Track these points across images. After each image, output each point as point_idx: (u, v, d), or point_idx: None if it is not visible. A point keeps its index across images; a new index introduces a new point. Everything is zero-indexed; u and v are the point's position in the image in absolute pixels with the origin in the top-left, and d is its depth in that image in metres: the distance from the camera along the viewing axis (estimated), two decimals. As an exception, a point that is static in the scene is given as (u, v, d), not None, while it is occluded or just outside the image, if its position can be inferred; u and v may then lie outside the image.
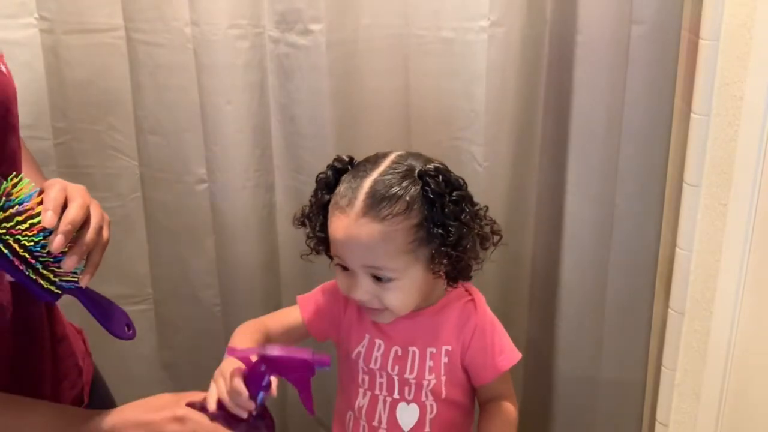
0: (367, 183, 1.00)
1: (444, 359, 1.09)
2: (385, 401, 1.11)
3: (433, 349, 1.09)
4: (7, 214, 0.82)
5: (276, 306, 1.74)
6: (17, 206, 0.83)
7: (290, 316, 1.19)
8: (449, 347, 1.09)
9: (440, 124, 1.54)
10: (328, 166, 1.07)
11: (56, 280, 0.86)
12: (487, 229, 1.06)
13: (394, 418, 1.11)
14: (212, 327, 1.73)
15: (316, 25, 1.49)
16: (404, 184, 1.00)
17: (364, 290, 1.02)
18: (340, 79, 1.54)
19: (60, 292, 0.87)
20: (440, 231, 0.99)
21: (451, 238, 0.98)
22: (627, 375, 1.66)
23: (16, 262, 0.82)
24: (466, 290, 1.12)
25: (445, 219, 0.99)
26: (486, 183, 1.55)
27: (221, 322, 1.74)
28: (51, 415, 0.91)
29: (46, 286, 0.86)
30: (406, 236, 0.99)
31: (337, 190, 1.03)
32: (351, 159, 1.07)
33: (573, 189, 1.58)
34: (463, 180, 1.04)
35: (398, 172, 1.01)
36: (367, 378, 1.12)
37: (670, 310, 1.39)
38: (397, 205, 0.98)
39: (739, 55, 1.16)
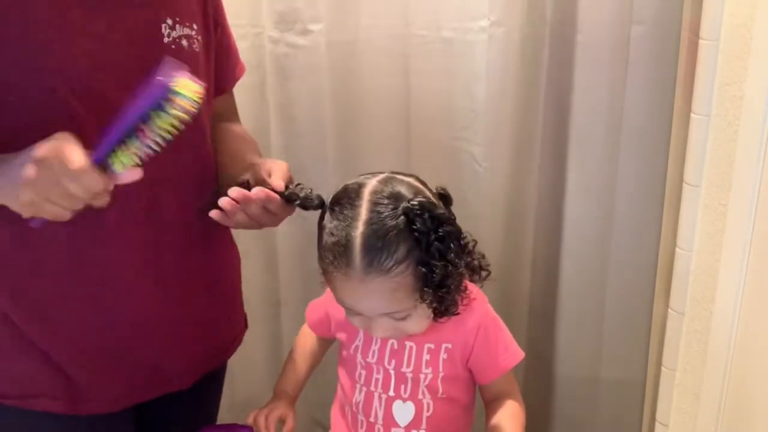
0: (358, 238, 0.95)
1: (443, 355, 1.09)
2: (380, 398, 1.11)
3: (431, 345, 1.09)
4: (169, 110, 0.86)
5: (276, 306, 1.74)
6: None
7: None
8: (449, 345, 1.08)
9: (440, 124, 1.54)
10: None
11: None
12: (476, 262, 1.03)
13: (390, 415, 1.11)
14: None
15: (316, 25, 1.49)
16: (395, 226, 0.95)
17: (383, 330, 1.03)
18: (340, 80, 1.54)
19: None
20: (424, 270, 0.95)
21: (435, 279, 0.95)
22: (627, 375, 1.66)
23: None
24: (469, 289, 1.11)
25: (429, 258, 0.95)
26: (486, 183, 1.55)
27: (221, 323, 1.74)
28: None
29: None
30: (413, 278, 0.97)
31: (324, 242, 1.00)
32: (321, 201, 1.03)
33: (573, 189, 1.58)
34: (451, 213, 1.00)
35: (384, 215, 0.95)
36: (364, 373, 1.12)
37: (670, 310, 1.39)
38: (398, 252, 0.94)
39: (739, 55, 1.16)
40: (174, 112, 0.86)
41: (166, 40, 1.04)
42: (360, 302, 1.00)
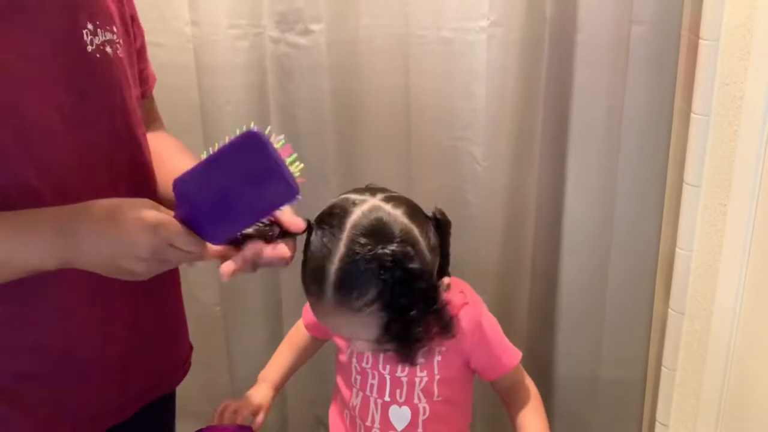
0: (332, 274, 0.93)
1: (437, 358, 1.09)
2: (377, 403, 1.11)
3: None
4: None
5: (276, 306, 1.74)
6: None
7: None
8: (443, 348, 1.08)
9: (440, 124, 1.54)
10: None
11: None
12: (445, 318, 1.00)
13: (386, 419, 1.11)
14: (212, 327, 1.73)
15: (316, 25, 1.49)
16: (368, 270, 0.92)
17: (361, 348, 1.04)
18: (340, 79, 1.54)
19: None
20: (382, 315, 0.94)
21: (393, 331, 0.95)
22: (627, 375, 1.66)
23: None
24: (461, 292, 1.11)
25: (391, 311, 0.94)
26: (486, 183, 1.55)
27: (221, 323, 1.75)
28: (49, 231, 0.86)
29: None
30: (384, 316, 0.96)
31: (305, 262, 0.98)
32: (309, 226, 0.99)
33: (573, 189, 1.58)
34: (426, 269, 0.95)
35: (359, 256, 0.92)
36: (359, 378, 1.12)
37: (670, 310, 1.39)
38: (368, 295, 0.93)
39: (739, 55, 1.16)
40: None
41: (89, 48, 0.93)
42: (330, 326, 1.02)
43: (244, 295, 1.73)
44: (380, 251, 0.92)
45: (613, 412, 1.70)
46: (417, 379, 1.09)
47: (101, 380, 1.03)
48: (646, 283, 1.59)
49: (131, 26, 1.05)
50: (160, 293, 1.09)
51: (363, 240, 0.93)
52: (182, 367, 1.20)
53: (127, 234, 0.83)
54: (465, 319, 1.07)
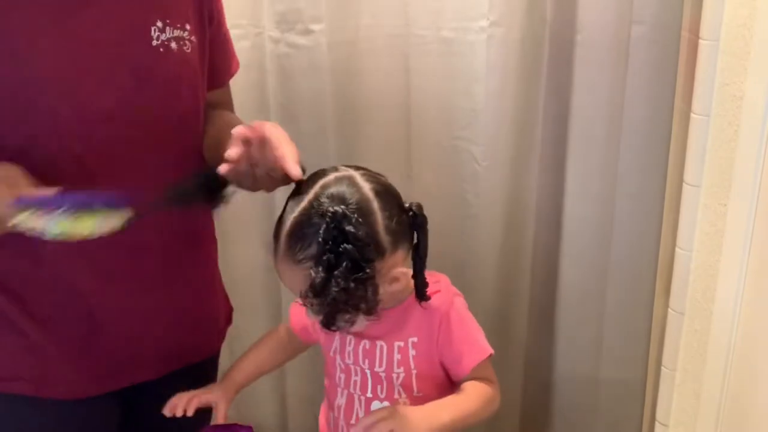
0: (288, 222, 0.99)
1: (412, 352, 1.08)
2: (360, 400, 1.11)
3: (401, 343, 1.09)
4: None
5: (276, 308, 1.74)
6: None
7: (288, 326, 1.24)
8: (415, 339, 1.08)
9: (440, 124, 1.54)
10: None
11: None
12: (368, 295, 0.98)
13: None
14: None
15: (317, 25, 1.49)
16: (317, 224, 0.96)
17: (309, 313, 1.04)
18: (341, 80, 1.54)
19: None
20: (311, 272, 0.96)
21: (314, 285, 0.96)
22: (627, 375, 1.66)
23: None
24: (437, 281, 1.10)
25: (317, 265, 0.95)
26: (486, 183, 1.55)
27: (221, 322, 1.74)
28: None
29: None
30: (313, 271, 0.96)
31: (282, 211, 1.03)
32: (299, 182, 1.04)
33: (573, 189, 1.58)
34: (364, 238, 0.96)
35: (314, 210, 0.97)
36: (343, 376, 1.12)
37: (670, 310, 1.39)
38: (309, 249, 0.96)
39: (739, 55, 1.16)
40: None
41: (154, 43, 1.05)
42: (281, 278, 1.05)
43: (244, 297, 1.73)
44: (330, 209, 0.96)
45: (613, 412, 1.70)
46: (394, 375, 1.09)
47: (127, 331, 1.13)
48: (646, 283, 1.59)
49: (208, 25, 1.15)
50: (197, 267, 1.22)
51: (323, 199, 0.98)
52: (220, 335, 1.30)
53: None
54: (436, 308, 1.07)
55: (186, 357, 1.22)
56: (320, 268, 0.95)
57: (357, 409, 1.12)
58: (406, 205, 1.04)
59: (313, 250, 0.96)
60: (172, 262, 1.15)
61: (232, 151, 0.97)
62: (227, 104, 1.30)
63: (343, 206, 0.96)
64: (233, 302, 1.77)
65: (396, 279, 1.03)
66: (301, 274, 0.98)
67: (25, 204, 0.90)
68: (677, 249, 1.34)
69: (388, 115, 1.56)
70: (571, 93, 1.51)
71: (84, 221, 0.92)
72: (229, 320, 1.35)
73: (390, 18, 1.49)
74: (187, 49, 1.09)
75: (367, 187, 1.00)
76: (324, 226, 0.95)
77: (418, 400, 1.10)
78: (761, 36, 1.11)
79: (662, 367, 1.43)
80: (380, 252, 0.98)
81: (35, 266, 1.06)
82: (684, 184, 1.30)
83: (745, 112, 1.16)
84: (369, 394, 1.11)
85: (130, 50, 1.03)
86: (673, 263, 1.36)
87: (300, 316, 1.19)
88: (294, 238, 0.98)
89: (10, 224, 0.90)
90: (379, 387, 1.10)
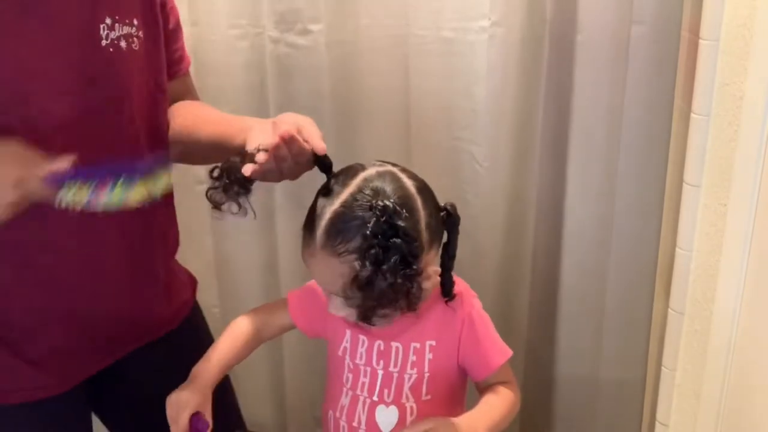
0: (328, 214, 0.98)
1: (429, 355, 1.08)
2: (365, 402, 1.11)
3: (417, 344, 1.08)
4: None
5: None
6: None
7: (281, 314, 1.19)
8: (433, 342, 1.08)
9: (440, 124, 1.54)
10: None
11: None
12: (413, 291, 0.99)
13: (373, 420, 1.10)
14: (211, 328, 1.73)
15: (316, 25, 1.49)
16: (360, 217, 0.96)
17: (335, 308, 1.03)
18: (340, 80, 1.54)
19: None
20: (357, 266, 0.95)
21: (360, 280, 0.95)
22: (627, 375, 1.66)
23: None
24: (455, 283, 1.11)
25: (365, 260, 0.94)
26: (486, 183, 1.55)
27: (220, 323, 1.74)
28: None
29: None
30: (357, 266, 0.96)
31: (312, 204, 1.02)
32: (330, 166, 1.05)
33: (573, 189, 1.58)
34: (412, 233, 0.96)
35: (358, 203, 0.97)
36: (351, 377, 1.12)
37: (670, 310, 1.38)
38: (352, 242, 0.96)
39: (739, 55, 1.16)
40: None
41: (103, 42, 1.02)
42: (312, 271, 1.03)
43: (243, 297, 1.73)
44: (376, 203, 0.96)
45: (613, 412, 1.70)
46: (406, 376, 1.09)
47: (112, 305, 1.13)
48: (646, 283, 1.59)
49: (160, 12, 1.12)
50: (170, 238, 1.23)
51: (367, 191, 0.98)
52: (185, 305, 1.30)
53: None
54: (456, 310, 1.07)
55: (154, 332, 1.23)
56: (367, 262, 0.94)
57: (359, 413, 1.11)
58: (441, 204, 1.04)
59: (356, 243, 0.96)
60: (135, 253, 1.13)
61: (260, 157, 0.97)
62: (193, 91, 1.29)
63: (389, 201, 0.96)
64: (230, 301, 1.78)
65: (429, 277, 1.03)
66: (340, 267, 0.97)
67: (61, 180, 0.90)
68: (677, 249, 1.34)
69: (388, 116, 1.56)
70: (571, 93, 1.51)
71: (137, 188, 0.94)
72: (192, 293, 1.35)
73: (390, 18, 1.49)
74: (135, 46, 1.06)
75: (410, 184, 1.01)
76: (373, 219, 0.94)
77: (426, 404, 1.10)
78: (761, 36, 1.11)
79: (662, 367, 1.43)
80: (422, 249, 0.99)
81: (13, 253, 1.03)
82: (684, 184, 1.30)
83: (745, 112, 1.16)
84: (375, 398, 1.10)
85: (79, 53, 1.00)
86: (673, 263, 1.36)
87: (303, 310, 1.17)
88: (334, 230, 0.97)
89: (56, 202, 0.90)
90: (386, 390, 1.10)
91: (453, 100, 1.52)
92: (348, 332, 1.11)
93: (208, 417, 1.07)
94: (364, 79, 1.54)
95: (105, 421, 1.31)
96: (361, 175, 1.00)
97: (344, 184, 1.00)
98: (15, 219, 0.92)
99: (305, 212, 1.04)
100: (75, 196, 0.91)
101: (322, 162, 1.04)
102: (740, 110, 1.17)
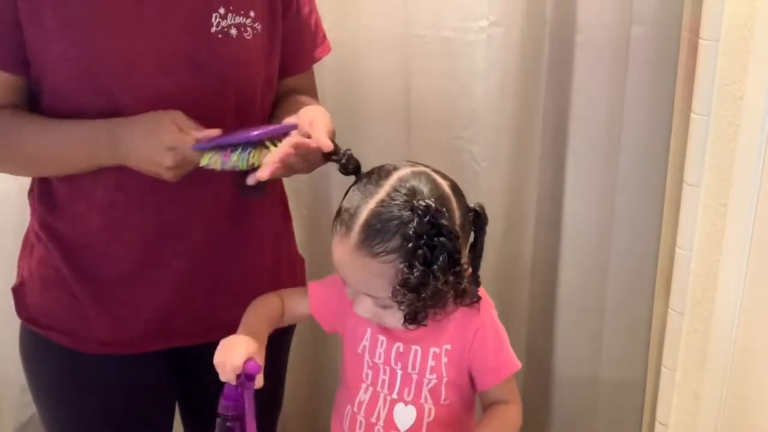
0: (364, 213, 0.97)
1: (444, 359, 1.08)
2: (385, 399, 1.10)
3: (437, 349, 1.08)
4: None
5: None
6: None
7: (301, 302, 1.18)
8: (449, 346, 1.08)
9: (440, 124, 1.54)
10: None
11: None
12: (464, 286, 1.01)
13: (391, 418, 1.10)
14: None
15: (316, 25, 1.49)
16: (399, 217, 0.96)
17: (362, 309, 1.03)
18: (340, 79, 1.54)
19: None
20: (404, 269, 0.95)
21: (411, 282, 0.95)
22: (627, 375, 1.66)
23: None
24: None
25: (413, 260, 0.94)
26: (486, 183, 1.55)
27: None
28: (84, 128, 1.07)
29: None
30: (395, 272, 0.96)
31: (342, 204, 1.01)
32: (357, 167, 1.04)
33: (573, 189, 1.58)
34: (455, 231, 0.97)
35: (395, 203, 0.96)
36: (371, 373, 1.11)
37: (670, 310, 1.38)
38: (391, 242, 0.95)
39: (739, 55, 1.16)
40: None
41: (213, 29, 1.09)
42: (345, 271, 1.02)
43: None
44: (416, 203, 0.95)
45: (613, 412, 1.70)
46: (425, 380, 1.09)
47: (169, 296, 1.18)
48: (646, 283, 1.59)
49: (283, 12, 1.18)
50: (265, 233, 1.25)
51: (404, 191, 0.98)
52: None
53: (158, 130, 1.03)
54: (473, 317, 1.08)
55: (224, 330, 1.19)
56: (416, 263, 0.94)
57: (379, 408, 1.11)
58: (471, 205, 1.05)
59: (395, 242, 0.95)
60: (223, 232, 1.18)
61: (263, 174, 1.03)
62: (307, 90, 1.30)
63: (428, 201, 0.96)
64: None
65: (469, 275, 1.03)
66: (378, 268, 0.96)
67: (206, 147, 1.02)
68: (677, 249, 1.34)
69: (388, 115, 1.56)
70: (571, 93, 1.51)
71: (263, 153, 1.03)
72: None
73: (390, 18, 1.49)
74: (248, 35, 1.12)
75: (445, 184, 1.02)
76: (416, 219, 0.94)
77: (444, 408, 1.10)
78: (761, 36, 1.12)
79: (662, 367, 1.43)
80: (460, 242, 0.99)
81: (89, 224, 1.12)
82: (684, 184, 1.30)
83: (745, 112, 1.16)
84: (395, 396, 1.10)
85: (187, 38, 1.08)
86: (673, 263, 1.36)
87: (324, 303, 1.16)
88: (372, 230, 0.96)
89: (200, 165, 1.02)
90: (407, 389, 1.09)
91: (453, 100, 1.52)
92: (369, 330, 1.11)
93: (261, 362, 1.04)
94: (364, 79, 1.54)
95: (185, 412, 1.35)
96: (396, 175, 1.00)
97: (378, 184, 0.99)
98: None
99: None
100: (213, 163, 1.03)
101: (336, 161, 1.05)
102: (740, 110, 1.17)
